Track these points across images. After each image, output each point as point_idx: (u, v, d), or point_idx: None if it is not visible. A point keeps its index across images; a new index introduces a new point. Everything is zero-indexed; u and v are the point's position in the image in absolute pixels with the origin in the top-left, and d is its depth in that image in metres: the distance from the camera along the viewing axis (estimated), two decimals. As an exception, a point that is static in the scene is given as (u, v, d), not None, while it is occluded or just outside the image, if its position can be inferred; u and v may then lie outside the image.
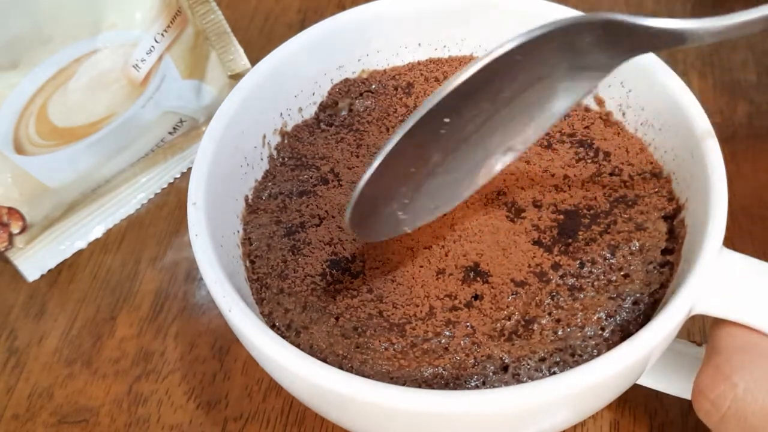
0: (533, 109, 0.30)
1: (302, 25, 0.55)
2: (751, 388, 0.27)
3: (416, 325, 0.32)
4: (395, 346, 0.31)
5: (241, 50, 0.50)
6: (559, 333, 0.31)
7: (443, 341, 0.31)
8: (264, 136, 0.38)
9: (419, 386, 0.30)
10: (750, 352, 0.28)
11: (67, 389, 0.41)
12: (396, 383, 0.30)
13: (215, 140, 0.35)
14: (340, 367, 0.31)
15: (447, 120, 0.28)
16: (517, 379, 0.30)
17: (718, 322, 0.30)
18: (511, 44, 0.27)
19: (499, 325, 0.32)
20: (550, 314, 0.32)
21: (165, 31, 0.45)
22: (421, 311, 0.32)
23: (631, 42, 0.28)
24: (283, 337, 0.32)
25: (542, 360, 0.31)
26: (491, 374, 0.30)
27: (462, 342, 0.31)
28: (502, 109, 0.29)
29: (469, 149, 0.31)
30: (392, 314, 0.32)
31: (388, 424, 0.29)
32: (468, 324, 0.31)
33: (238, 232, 0.36)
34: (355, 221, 0.30)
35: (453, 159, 0.31)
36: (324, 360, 0.31)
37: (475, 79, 0.27)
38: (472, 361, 0.31)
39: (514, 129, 0.31)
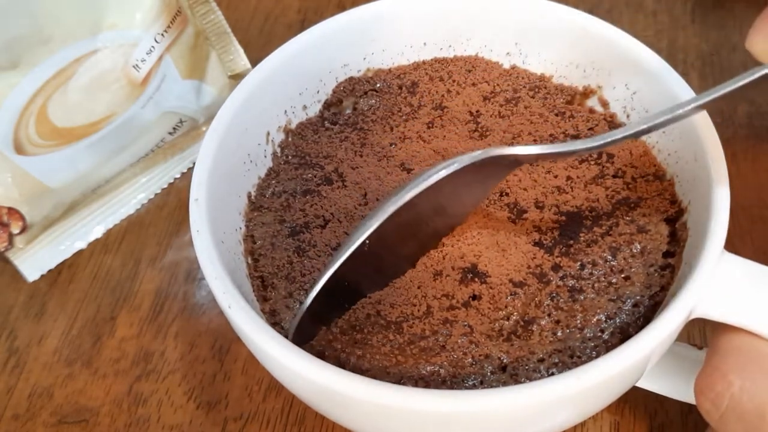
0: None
1: (302, 25, 0.55)
2: (747, 387, 0.28)
3: (413, 323, 0.32)
4: (393, 343, 0.31)
5: (241, 50, 0.50)
6: (559, 334, 0.31)
7: (440, 339, 0.31)
8: (268, 134, 0.38)
9: (416, 383, 0.30)
10: (747, 352, 0.29)
11: (67, 389, 0.41)
12: (393, 379, 0.30)
13: (219, 136, 0.35)
14: (338, 361, 0.31)
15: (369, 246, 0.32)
16: (515, 380, 0.30)
17: (718, 326, 0.30)
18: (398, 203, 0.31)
19: (497, 325, 0.32)
20: (549, 315, 0.32)
21: (165, 31, 0.45)
22: (418, 310, 0.32)
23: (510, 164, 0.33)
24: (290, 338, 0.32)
25: (541, 361, 0.31)
26: (489, 374, 0.30)
27: (459, 341, 0.31)
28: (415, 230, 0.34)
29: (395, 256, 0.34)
30: (389, 313, 0.32)
31: (388, 422, 0.29)
32: (466, 323, 0.31)
33: (240, 228, 0.36)
34: (299, 336, 0.32)
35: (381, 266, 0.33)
36: (322, 354, 0.31)
37: (387, 223, 0.32)
38: (470, 360, 0.31)
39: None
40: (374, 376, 0.30)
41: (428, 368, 0.30)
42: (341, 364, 0.31)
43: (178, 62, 0.46)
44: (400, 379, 0.30)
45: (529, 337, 0.31)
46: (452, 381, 0.30)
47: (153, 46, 0.44)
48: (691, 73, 0.52)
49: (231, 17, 0.50)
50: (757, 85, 0.28)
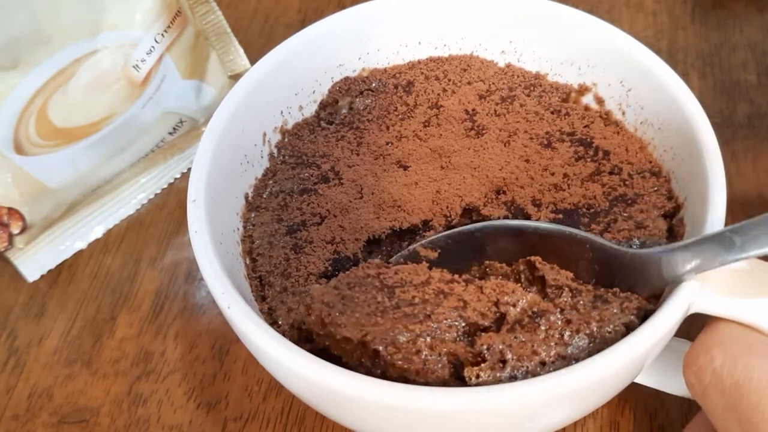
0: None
1: (302, 25, 0.54)
2: (727, 362, 0.28)
3: (407, 289, 0.31)
4: (379, 305, 0.30)
5: (241, 50, 0.50)
6: (566, 336, 0.30)
7: (428, 308, 0.30)
8: (264, 134, 0.39)
9: (386, 348, 0.29)
10: (731, 330, 0.29)
11: (67, 389, 0.41)
12: (365, 339, 0.29)
13: (216, 138, 0.35)
14: (319, 317, 0.30)
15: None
16: (498, 368, 0.29)
17: (714, 317, 0.30)
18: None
19: (497, 308, 0.30)
20: (562, 312, 0.30)
21: (165, 31, 0.45)
22: (418, 278, 0.31)
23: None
24: (286, 334, 0.32)
25: (533, 353, 0.29)
26: (471, 356, 0.29)
27: (447, 312, 0.30)
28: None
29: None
30: (389, 277, 0.31)
31: (386, 421, 0.29)
32: (461, 297, 0.30)
33: (238, 229, 0.36)
34: None
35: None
36: (309, 307, 0.30)
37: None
38: (454, 335, 0.29)
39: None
40: (345, 334, 0.29)
41: (405, 336, 0.29)
42: (322, 320, 0.30)
43: (178, 62, 0.46)
44: (372, 340, 0.29)
45: (534, 331, 0.30)
46: (428, 355, 0.29)
47: (153, 46, 0.44)
48: (691, 73, 0.52)
49: (231, 17, 0.50)
50: None
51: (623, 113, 0.38)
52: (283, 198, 0.37)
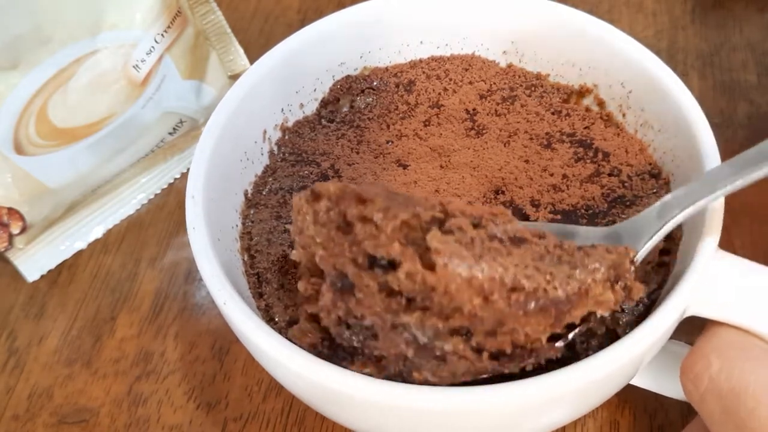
0: None
1: (302, 25, 0.54)
2: (725, 368, 0.28)
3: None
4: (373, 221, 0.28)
5: (241, 50, 0.50)
6: (545, 260, 0.27)
7: (417, 193, 0.28)
8: (264, 131, 0.39)
9: (357, 179, 0.28)
10: (728, 336, 0.29)
11: (67, 389, 0.41)
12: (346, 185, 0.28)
13: (215, 134, 0.35)
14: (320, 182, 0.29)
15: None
16: (465, 245, 0.26)
17: (711, 321, 0.30)
18: None
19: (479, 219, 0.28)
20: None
21: (165, 31, 0.45)
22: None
23: None
24: (282, 331, 0.32)
25: (506, 254, 0.27)
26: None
27: (432, 198, 0.28)
28: None
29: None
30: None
31: (385, 421, 0.29)
32: (451, 198, 0.29)
33: (237, 226, 0.36)
34: None
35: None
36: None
37: None
38: (426, 206, 0.27)
39: None
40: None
41: (383, 192, 0.27)
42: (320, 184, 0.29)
43: (178, 62, 0.46)
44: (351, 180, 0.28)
45: (511, 248, 0.27)
46: (392, 203, 0.27)
47: (153, 47, 0.44)
48: (691, 73, 0.52)
49: (231, 17, 0.50)
50: None
51: (624, 115, 0.38)
52: (283, 195, 0.37)
